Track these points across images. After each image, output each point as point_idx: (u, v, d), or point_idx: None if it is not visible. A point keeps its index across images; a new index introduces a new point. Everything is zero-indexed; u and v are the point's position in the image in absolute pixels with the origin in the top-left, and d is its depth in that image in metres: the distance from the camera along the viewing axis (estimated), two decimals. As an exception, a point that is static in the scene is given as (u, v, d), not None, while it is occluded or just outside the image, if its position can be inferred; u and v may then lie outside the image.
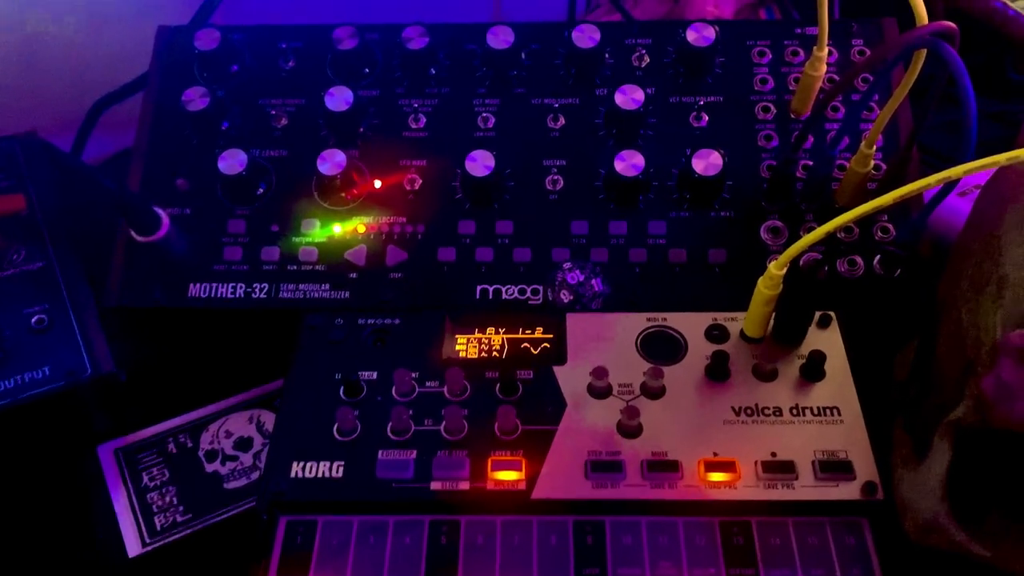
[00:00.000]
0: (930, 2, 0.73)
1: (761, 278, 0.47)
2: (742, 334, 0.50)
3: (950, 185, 0.46)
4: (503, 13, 0.85)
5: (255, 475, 0.54)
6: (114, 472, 0.54)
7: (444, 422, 0.47)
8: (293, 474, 0.46)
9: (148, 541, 0.51)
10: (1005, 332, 0.38)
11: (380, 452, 0.46)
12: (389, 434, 0.47)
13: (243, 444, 0.55)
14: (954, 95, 0.74)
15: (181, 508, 0.52)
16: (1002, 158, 0.40)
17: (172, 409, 0.57)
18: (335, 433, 0.47)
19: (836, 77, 0.59)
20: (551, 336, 0.51)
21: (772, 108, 0.59)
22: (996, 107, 0.78)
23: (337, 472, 0.46)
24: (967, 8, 0.75)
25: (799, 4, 0.79)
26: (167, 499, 0.53)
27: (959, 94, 0.43)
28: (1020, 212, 0.43)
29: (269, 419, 0.56)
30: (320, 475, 0.45)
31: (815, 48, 0.54)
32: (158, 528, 0.52)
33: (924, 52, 0.49)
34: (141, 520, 0.52)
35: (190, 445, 0.56)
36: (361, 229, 0.57)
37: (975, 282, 0.44)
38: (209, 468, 0.54)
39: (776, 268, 0.46)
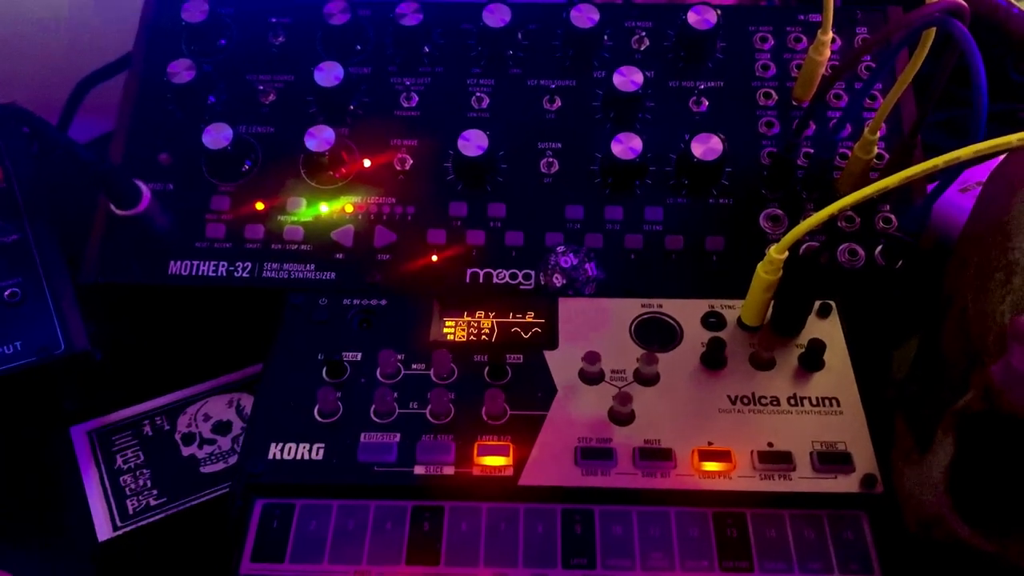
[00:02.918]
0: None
1: (760, 263, 0.45)
2: (739, 322, 0.48)
3: (960, 169, 0.44)
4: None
5: (233, 459, 0.52)
6: (87, 454, 0.52)
7: (430, 405, 0.45)
8: (271, 456, 0.44)
9: (119, 525, 0.49)
10: (1015, 318, 0.37)
11: (362, 435, 0.44)
12: (372, 416, 0.45)
13: (221, 428, 0.54)
14: (954, 92, 0.74)
15: (155, 491, 0.50)
16: (1014, 139, 0.39)
17: (149, 391, 0.55)
18: (316, 415, 0.45)
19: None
20: (542, 320, 0.49)
21: (773, 95, 0.57)
22: (997, 107, 0.76)
23: (317, 454, 0.44)
24: (971, 6, 0.74)
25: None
26: (141, 482, 0.51)
27: (971, 72, 0.41)
28: (1030, 197, 0.41)
29: (249, 403, 0.54)
30: (299, 457, 0.44)
31: (819, 31, 0.53)
32: (130, 511, 0.50)
33: (931, 37, 0.47)
34: (113, 503, 0.50)
35: (167, 428, 0.54)
36: (349, 209, 0.55)
37: (982, 270, 0.42)
38: (186, 451, 0.52)
39: (776, 252, 0.44)
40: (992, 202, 0.46)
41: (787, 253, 0.44)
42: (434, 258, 0.54)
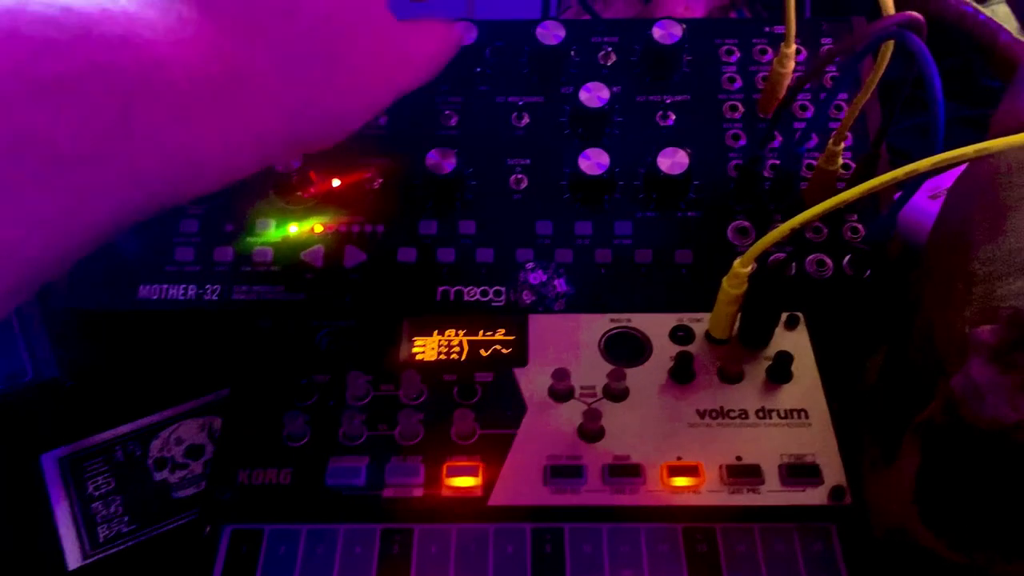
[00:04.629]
0: (901, 5, 0.73)
1: (726, 277, 0.45)
2: (707, 335, 0.48)
3: (920, 180, 0.45)
4: (476, 12, 0.84)
5: (205, 484, 0.51)
6: (57, 481, 0.52)
7: (399, 427, 0.45)
8: (239, 481, 0.44)
9: (90, 553, 0.49)
10: (974, 329, 0.37)
11: (331, 458, 0.44)
12: (341, 440, 0.45)
13: (194, 452, 0.53)
14: (924, 95, 0.74)
15: (127, 518, 0.50)
16: (970, 150, 0.39)
17: (121, 416, 0.55)
18: (284, 439, 0.45)
19: (805, 76, 0.58)
20: (512, 338, 0.49)
21: (740, 107, 0.58)
22: (968, 112, 0.77)
23: (285, 479, 0.44)
24: (938, 13, 0.74)
25: (771, 9, 0.78)
26: (112, 508, 0.51)
27: (926, 86, 0.42)
28: (990, 207, 0.42)
29: (222, 426, 0.54)
30: (267, 482, 0.44)
31: (783, 45, 0.53)
32: (101, 539, 0.49)
33: (890, 49, 0.48)
34: (84, 531, 0.50)
35: (139, 453, 0.53)
36: (318, 229, 0.55)
37: (945, 280, 0.43)
38: (158, 476, 0.52)
39: (740, 266, 0.44)
40: (954, 211, 0.46)
41: (751, 267, 0.44)
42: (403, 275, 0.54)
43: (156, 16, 0.31)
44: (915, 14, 0.43)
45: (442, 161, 0.54)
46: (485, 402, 0.46)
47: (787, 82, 0.55)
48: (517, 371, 0.48)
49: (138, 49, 0.30)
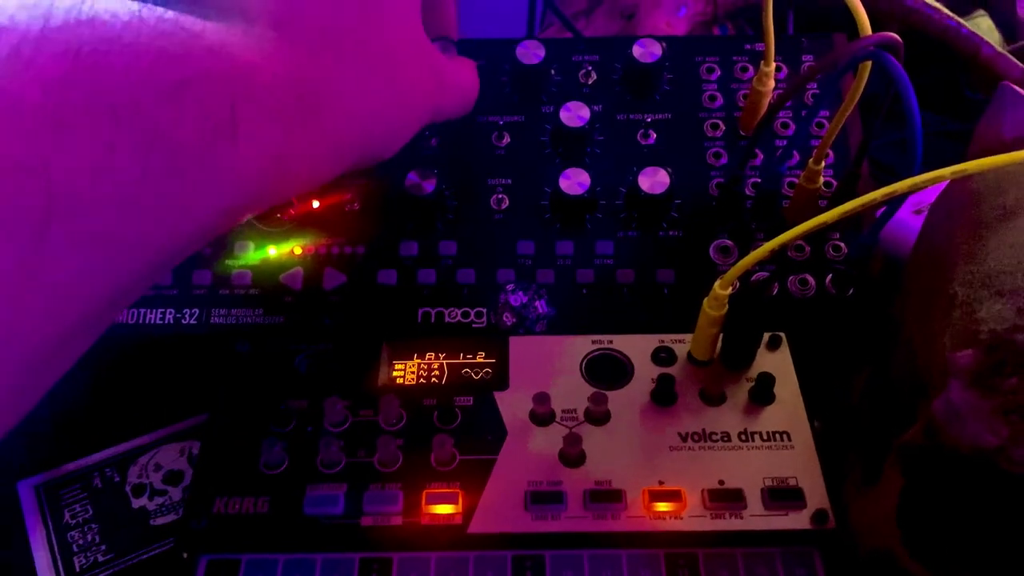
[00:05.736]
0: (884, 19, 0.73)
1: (706, 298, 0.45)
2: (689, 357, 0.48)
3: (899, 201, 0.44)
4: (460, 29, 0.83)
5: (182, 511, 0.51)
6: (34, 510, 0.51)
7: (377, 453, 0.44)
8: (215, 510, 0.43)
9: (65, 583, 0.48)
10: (954, 352, 0.37)
11: (308, 486, 0.43)
12: (319, 467, 0.44)
13: (173, 478, 0.53)
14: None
15: (103, 547, 0.49)
16: (948, 172, 0.39)
17: (98, 442, 0.54)
18: (261, 466, 0.44)
19: (786, 93, 0.57)
20: (493, 361, 0.49)
21: (721, 125, 0.58)
22: (953, 126, 0.77)
23: (262, 508, 0.43)
24: (922, 27, 0.74)
25: (755, 25, 0.78)
26: (89, 537, 0.50)
27: (904, 107, 0.41)
28: (968, 228, 0.42)
29: (202, 451, 0.54)
30: (244, 511, 0.43)
31: (762, 63, 0.53)
32: (77, 569, 0.48)
33: (867, 68, 0.47)
34: (60, 561, 0.49)
35: (117, 479, 0.53)
36: (297, 251, 0.55)
37: (925, 301, 0.42)
38: (136, 503, 0.51)
39: (720, 288, 0.44)
40: (935, 230, 0.46)
41: (731, 289, 0.44)
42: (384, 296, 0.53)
43: (242, 32, 0.34)
44: (892, 35, 0.43)
45: (422, 182, 0.54)
46: (465, 427, 0.46)
47: (768, 100, 0.55)
48: (497, 395, 0.47)
49: (237, 58, 0.33)
